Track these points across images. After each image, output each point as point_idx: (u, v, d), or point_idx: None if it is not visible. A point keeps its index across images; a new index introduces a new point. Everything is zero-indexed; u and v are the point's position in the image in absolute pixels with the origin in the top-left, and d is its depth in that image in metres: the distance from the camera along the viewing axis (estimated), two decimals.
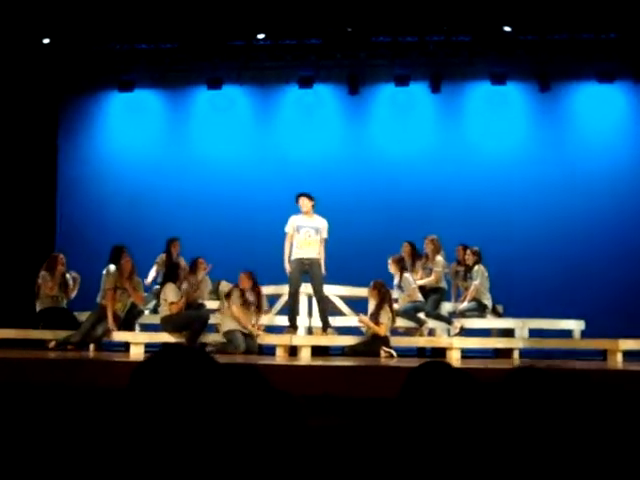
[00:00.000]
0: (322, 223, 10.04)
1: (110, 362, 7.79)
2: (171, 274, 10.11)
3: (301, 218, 10.00)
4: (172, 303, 9.80)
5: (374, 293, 9.91)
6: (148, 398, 1.71)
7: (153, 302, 10.85)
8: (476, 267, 10.72)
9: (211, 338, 9.97)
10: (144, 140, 14.35)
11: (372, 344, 9.58)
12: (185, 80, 14.25)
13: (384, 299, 9.80)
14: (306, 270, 9.91)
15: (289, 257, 9.97)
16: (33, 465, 1.94)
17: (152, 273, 11.16)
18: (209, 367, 1.79)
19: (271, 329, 10.24)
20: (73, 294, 10.76)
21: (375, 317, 9.75)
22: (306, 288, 10.08)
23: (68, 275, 10.67)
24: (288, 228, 10.01)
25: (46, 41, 13.17)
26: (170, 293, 9.84)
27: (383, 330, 9.65)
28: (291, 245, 9.98)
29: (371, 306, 10.00)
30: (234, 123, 14.27)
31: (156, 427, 1.68)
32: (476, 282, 10.63)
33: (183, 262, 10.78)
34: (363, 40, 13.32)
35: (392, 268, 10.66)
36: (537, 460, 1.33)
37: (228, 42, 13.59)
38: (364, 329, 10.01)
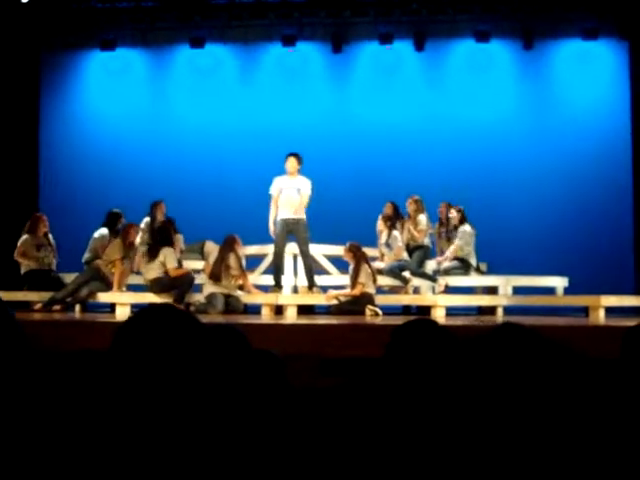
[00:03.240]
0: (304, 182, 10.05)
1: (96, 323, 7.80)
2: (165, 237, 10.03)
3: (284, 179, 10.03)
4: (176, 268, 9.78)
5: (349, 255, 9.96)
6: (131, 358, 1.72)
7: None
8: (462, 227, 10.73)
9: (195, 298, 10.01)
10: (127, 99, 14.22)
11: (357, 303, 9.62)
12: (168, 39, 14.10)
13: (360, 260, 9.83)
14: (290, 230, 9.95)
15: (274, 219, 10.00)
16: (15, 430, 1.95)
17: (137, 238, 11.08)
18: (192, 327, 1.80)
19: (256, 289, 10.26)
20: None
21: (354, 278, 9.78)
22: (291, 248, 10.12)
23: (51, 235, 10.62)
24: (273, 190, 10.05)
25: (25, 0, 12.97)
26: (170, 257, 9.79)
27: (359, 289, 9.67)
28: (277, 207, 10.01)
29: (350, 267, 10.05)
30: (217, 82, 14.16)
31: (139, 388, 1.69)
32: (460, 242, 10.64)
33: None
34: None
35: (381, 225, 10.69)
36: (518, 418, 1.35)
37: (211, 1, 13.44)
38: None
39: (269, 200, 10.15)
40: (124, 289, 10.06)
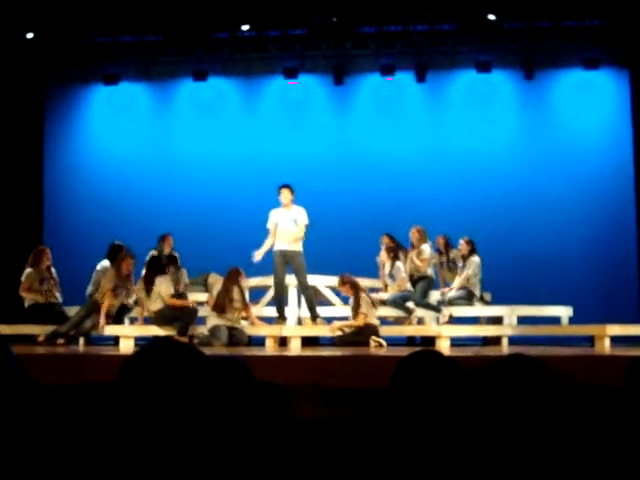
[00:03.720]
0: (299, 212, 10.07)
1: (100, 356, 7.78)
2: (158, 267, 10.08)
3: (280, 212, 10.07)
4: (171, 296, 9.79)
5: (345, 288, 9.92)
6: (137, 392, 1.72)
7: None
8: (471, 258, 10.75)
9: (199, 330, 9.99)
10: (130, 133, 14.31)
11: (361, 334, 9.58)
12: (170, 73, 14.21)
13: (357, 291, 9.81)
14: (288, 261, 9.95)
15: (266, 249, 10.01)
16: (21, 461, 1.94)
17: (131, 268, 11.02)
18: (196, 360, 1.80)
19: (260, 321, 10.24)
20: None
21: (356, 309, 9.76)
22: (294, 279, 10.11)
23: (54, 269, 10.63)
24: (269, 224, 10.10)
25: (30, 35, 13.10)
26: (164, 285, 9.83)
27: (362, 320, 9.64)
28: (274, 239, 10.01)
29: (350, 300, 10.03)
30: (220, 115, 14.24)
31: (145, 420, 1.69)
32: (469, 271, 10.66)
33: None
34: (348, 30, 13.30)
35: (384, 256, 10.70)
36: (524, 448, 1.34)
37: (213, 34, 13.56)
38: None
39: (266, 235, 10.17)
40: (113, 313, 10.02)
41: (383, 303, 10.45)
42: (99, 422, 1.77)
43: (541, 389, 1.35)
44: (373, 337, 9.49)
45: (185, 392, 1.70)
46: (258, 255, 10.04)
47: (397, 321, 10.68)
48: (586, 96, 13.69)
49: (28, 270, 10.39)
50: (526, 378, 1.36)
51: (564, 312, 10.66)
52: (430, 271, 10.87)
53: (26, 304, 10.41)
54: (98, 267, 10.54)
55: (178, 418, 1.68)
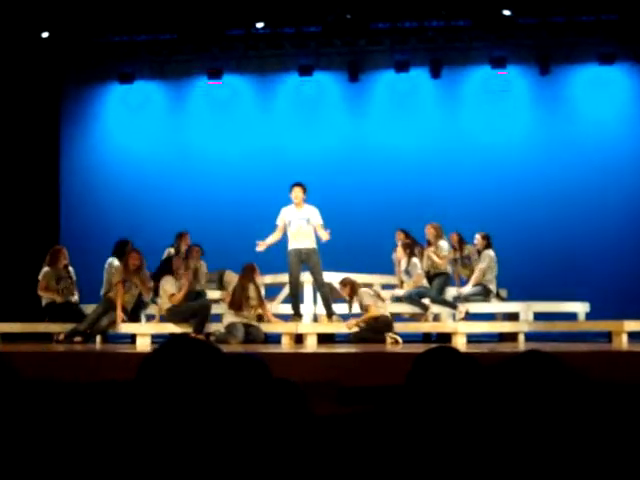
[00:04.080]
0: (312, 211, 10.01)
1: (117, 354, 7.82)
2: (168, 266, 10.22)
3: (291, 210, 10.01)
4: (172, 295, 9.87)
5: (346, 290, 9.93)
6: (156, 389, 1.73)
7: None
8: (485, 251, 10.73)
9: (214, 328, 10.02)
10: (145, 131, 14.35)
11: (375, 327, 9.56)
12: (185, 71, 14.24)
13: (354, 289, 9.83)
14: (304, 260, 9.92)
15: (269, 243, 10.03)
16: (41, 460, 1.95)
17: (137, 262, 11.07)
18: (215, 357, 1.80)
19: (276, 318, 10.26)
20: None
21: (360, 306, 9.77)
22: (309, 277, 10.11)
23: (71, 268, 10.69)
24: (279, 221, 10.07)
25: (45, 35, 13.15)
26: (168, 285, 9.93)
27: (372, 310, 9.63)
28: (283, 235, 10.00)
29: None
30: (235, 113, 14.26)
31: (164, 418, 1.70)
32: (483, 265, 10.63)
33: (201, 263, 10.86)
34: (362, 27, 13.28)
35: (400, 253, 10.69)
36: (541, 443, 1.34)
37: (227, 32, 13.56)
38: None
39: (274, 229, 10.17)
40: (129, 308, 10.09)
41: (398, 300, 10.44)
42: (118, 419, 1.78)
43: (557, 385, 1.35)
44: (389, 334, 9.48)
45: (203, 389, 1.70)
46: (261, 246, 10.02)
47: (413, 318, 10.66)
48: (602, 91, 13.61)
49: (45, 269, 10.45)
50: (542, 374, 1.35)
51: (581, 308, 10.62)
52: (449, 268, 10.85)
53: (43, 303, 10.47)
54: (106, 265, 10.60)
55: (196, 415, 1.68)
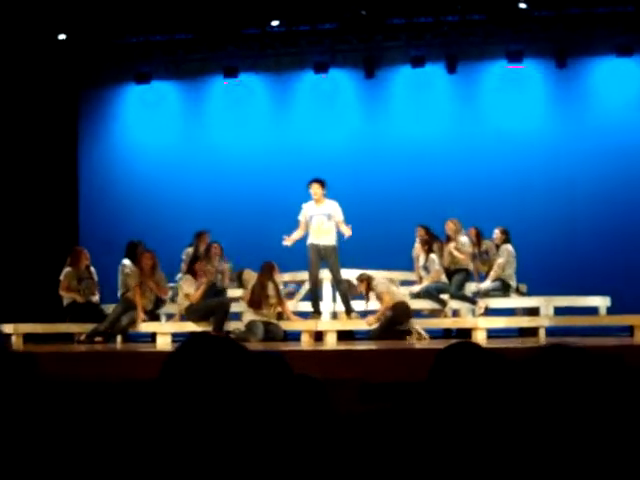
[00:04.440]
0: (333, 207, 10.01)
1: (138, 353, 7.85)
2: (188, 267, 10.32)
3: (312, 206, 10.01)
4: (187, 295, 9.92)
5: (363, 285, 9.94)
6: (180, 387, 1.73)
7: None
8: (504, 246, 10.69)
9: (234, 326, 10.05)
10: (162, 131, 14.39)
11: (394, 317, 9.56)
12: (201, 70, 14.27)
13: (369, 283, 9.85)
14: (322, 256, 9.92)
15: (295, 238, 10.07)
16: (65, 460, 1.96)
17: (184, 269, 11.08)
18: (238, 354, 1.81)
19: (295, 315, 10.27)
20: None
21: (378, 297, 9.78)
22: (326, 274, 10.12)
23: (93, 268, 10.76)
24: (300, 217, 10.08)
25: (62, 37, 13.22)
26: (186, 284, 9.98)
27: (387, 299, 9.63)
28: (305, 231, 10.01)
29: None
30: (251, 111, 14.27)
31: (187, 416, 1.70)
32: (501, 260, 10.59)
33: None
34: (378, 23, 13.25)
35: (418, 249, 10.69)
36: (568, 439, 1.33)
37: (243, 30, 13.58)
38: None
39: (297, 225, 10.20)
40: (149, 308, 10.16)
41: (417, 296, 10.42)
42: (142, 418, 1.79)
43: (589, 377, 1.34)
44: (414, 327, 9.47)
45: (227, 386, 1.71)
46: (287, 240, 10.04)
47: (432, 314, 10.65)
48: (620, 83, 13.50)
49: (67, 269, 10.52)
50: (571, 367, 1.34)
51: (602, 302, 10.56)
52: (470, 264, 10.82)
53: (64, 303, 10.53)
54: (119, 267, 10.66)
55: (220, 412, 1.69)
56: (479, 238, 11.02)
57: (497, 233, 10.85)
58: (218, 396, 1.70)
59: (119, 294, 10.49)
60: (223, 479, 1.66)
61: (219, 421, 1.69)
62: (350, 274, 10.38)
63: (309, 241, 9.97)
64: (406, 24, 13.56)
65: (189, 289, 9.97)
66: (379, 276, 10.22)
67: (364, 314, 10.13)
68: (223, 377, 1.72)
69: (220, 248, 10.75)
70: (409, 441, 2.08)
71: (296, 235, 10.09)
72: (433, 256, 10.53)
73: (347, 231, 9.85)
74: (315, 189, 9.92)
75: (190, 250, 11.03)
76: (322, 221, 9.91)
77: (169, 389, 1.73)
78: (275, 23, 13.43)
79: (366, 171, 13.50)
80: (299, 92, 14.27)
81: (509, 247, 10.70)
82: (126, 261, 10.57)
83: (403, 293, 10.31)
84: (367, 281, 9.90)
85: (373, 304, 10.41)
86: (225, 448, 1.67)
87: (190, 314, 9.94)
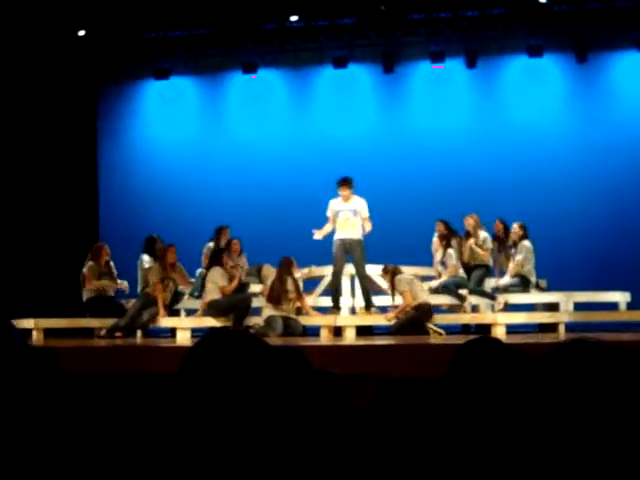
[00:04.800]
0: (360, 203, 10.12)
1: (158, 348, 7.89)
2: (216, 258, 10.24)
3: (339, 202, 10.14)
4: (223, 287, 9.92)
5: (388, 277, 9.94)
6: (200, 382, 1.74)
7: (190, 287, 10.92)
8: (522, 242, 10.63)
9: (253, 321, 10.07)
10: (182, 127, 14.43)
11: (415, 316, 9.55)
12: (220, 66, 14.29)
13: (393, 275, 9.83)
14: (348, 251, 9.99)
15: (325, 232, 10.15)
16: (84, 454, 1.98)
17: (204, 263, 11.11)
18: (260, 349, 1.82)
19: (314, 310, 10.28)
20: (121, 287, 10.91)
21: (397, 293, 9.77)
22: (348, 269, 10.13)
23: (112, 263, 10.83)
24: (329, 213, 10.21)
25: (81, 33, 13.28)
26: (219, 277, 9.97)
27: (408, 297, 9.61)
28: (333, 226, 10.10)
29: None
30: (270, 107, 14.29)
31: (207, 411, 1.71)
32: (519, 257, 10.55)
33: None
34: (397, 18, 13.23)
35: (436, 244, 10.66)
36: (590, 434, 1.33)
37: (262, 26, 13.59)
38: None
39: (325, 222, 10.23)
40: (168, 303, 10.19)
41: (435, 291, 10.39)
42: (163, 412, 1.80)
43: (609, 374, 1.33)
44: (431, 326, 9.45)
45: (248, 381, 1.72)
46: (318, 234, 10.12)
47: (451, 309, 10.62)
48: None
49: (89, 264, 10.57)
50: (592, 363, 1.33)
51: (621, 298, 10.51)
52: (490, 260, 10.78)
53: (84, 298, 10.59)
54: (138, 262, 10.71)
55: (240, 406, 1.70)
56: (507, 231, 10.91)
57: (515, 228, 10.78)
58: (238, 390, 1.70)
59: (139, 289, 10.55)
60: (241, 473, 1.67)
61: (238, 415, 1.70)
62: (373, 270, 10.39)
63: (335, 237, 10.06)
64: (425, 19, 13.53)
65: (222, 280, 9.97)
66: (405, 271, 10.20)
67: (384, 309, 10.13)
68: (244, 372, 1.73)
69: (240, 244, 10.80)
70: (427, 436, 2.08)
71: (326, 229, 10.19)
72: (450, 251, 10.50)
73: (368, 226, 10.06)
74: (342, 191, 10.04)
75: (211, 245, 11.06)
76: (348, 217, 10.04)
77: (189, 383, 1.74)
78: (294, 18, 13.43)
79: (384, 166, 13.48)
80: (318, 87, 14.26)
81: (527, 243, 10.64)
82: (145, 256, 10.62)
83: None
84: (391, 273, 9.87)
85: (399, 299, 10.42)
86: (244, 442, 1.68)
87: (212, 308, 9.95)
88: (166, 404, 1.81)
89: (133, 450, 1.85)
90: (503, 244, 10.99)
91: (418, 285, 9.82)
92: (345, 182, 10.08)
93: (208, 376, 1.72)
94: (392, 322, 9.69)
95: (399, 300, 9.87)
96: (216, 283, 9.95)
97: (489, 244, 10.68)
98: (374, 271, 10.48)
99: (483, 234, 10.69)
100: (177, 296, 10.45)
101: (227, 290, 9.94)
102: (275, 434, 1.72)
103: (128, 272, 10.96)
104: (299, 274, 10.38)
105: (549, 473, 1.37)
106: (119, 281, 10.82)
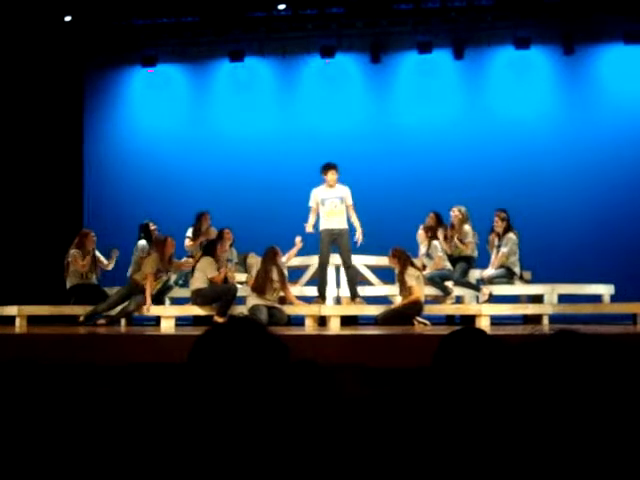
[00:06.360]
0: (345, 191, 10.06)
1: (143, 336, 7.87)
2: (210, 248, 10.21)
3: (323, 190, 10.04)
4: (212, 277, 9.89)
5: (394, 261, 9.93)
6: (208, 370, 1.73)
7: (175, 275, 10.89)
8: (507, 234, 10.63)
9: (238, 310, 10.04)
10: (168, 114, 14.38)
11: (409, 309, 9.57)
12: (207, 53, 14.24)
13: (405, 264, 9.80)
14: (334, 240, 9.95)
15: (312, 223, 10.06)
16: (71, 444, 1.97)
17: (188, 245, 11.15)
18: (267, 338, 1.81)
19: (299, 300, 10.28)
20: (110, 267, 10.87)
21: (402, 283, 9.75)
22: (333, 259, 10.12)
23: (97, 252, 10.78)
24: (312, 202, 10.08)
25: (68, 19, 13.19)
26: (208, 267, 9.93)
27: (417, 292, 9.62)
28: (317, 216, 10.04)
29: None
30: (257, 95, 14.25)
31: (217, 399, 1.70)
32: (504, 250, 10.57)
33: (214, 232, 10.90)
34: (385, 8, 13.21)
35: (421, 236, 10.66)
36: (573, 424, 1.33)
37: (249, 14, 13.54)
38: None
39: (308, 212, 10.17)
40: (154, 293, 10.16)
41: None
42: (175, 401, 1.79)
43: (594, 367, 1.33)
44: (417, 318, 9.48)
45: (251, 369, 1.71)
46: (309, 227, 10.07)
47: (436, 300, 10.64)
48: (627, 71, 13.46)
49: (73, 251, 10.52)
50: (576, 355, 1.33)
51: (605, 290, 10.56)
52: (475, 252, 10.78)
53: (68, 285, 10.54)
54: (137, 248, 10.70)
55: (248, 397, 1.69)
56: (509, 223, 10.80)
57: (497, 221, 10.75)
58: (246, 379, 1.70)
59: (129, 273, 10.49)
60: (240, 461, 1.66)
61: (245, 404, 1.69)
62: (359, 260, 10.39)
63: (322, 226, 9.98)
64: (413, 9, 13.51)
65: (211, 271, 9.93)
66: (382, 262, 10.19)
67: (368, 299, 10.14)
68: (251, 361, 1.72)
69: (232, 233, 10.78)
70: (412, 425, 2.08)
71: (311, 220, 10.11)
72: (435, 242, 10.50)
73: (354, 216, 9.98)
74: (332, 175, 9.95)
75: (191, 230, 11.11)
76: (335, 204, 9.96)
77: (197, 372, 1.73)
78: (282, 7, 13.39)
79: (371, 156, 13.48)
80: (305, 76, 14.23)
81: (512, 236, 10.64)
82: (142, 242, 10.61)
83: None
84: (399, 257, 9.84)
85: (378, 290, 10.42)
86: (246, 430, 1.68)
87: (198, 297, 9.92)
88: (175, 391, 1.80)
89: (120, 436, 1.85)
90: (500, 238, 10.96)
91: (422, 282, 9.82)
92: (333, 167, 10.00)
93: (216, 364, 1.71)
94: (378, 313, 9.71)
95: (381, 290, 9.88)
96: (204, 272, 9.93)
97: (469, 238, 10.67)
98: (360, 261, 10.48)
99: (466, 228, 10.68)
100: (166, 288, 10.40)
101: (217, 280, 9.91)
102: (275, 424, 1.71)
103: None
104: (287, 257, 10.37)
105: (533, 460, 1.37)
106: (106, 262, 10.76)
